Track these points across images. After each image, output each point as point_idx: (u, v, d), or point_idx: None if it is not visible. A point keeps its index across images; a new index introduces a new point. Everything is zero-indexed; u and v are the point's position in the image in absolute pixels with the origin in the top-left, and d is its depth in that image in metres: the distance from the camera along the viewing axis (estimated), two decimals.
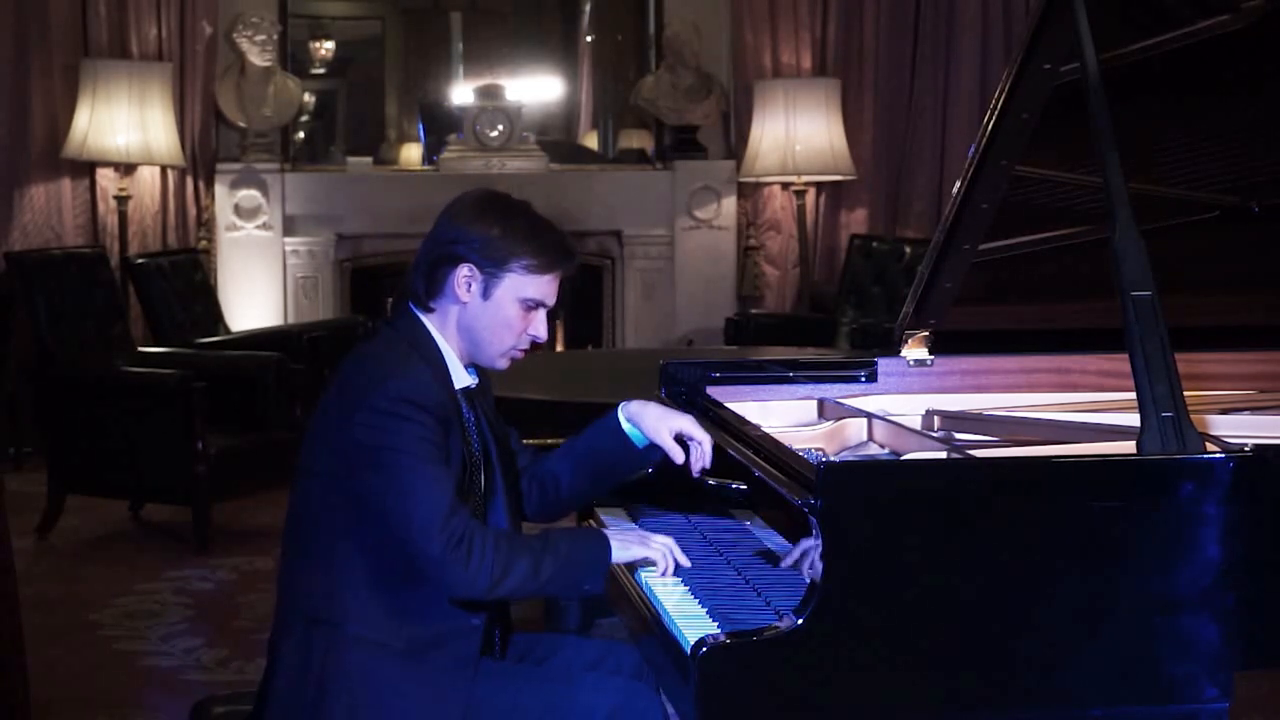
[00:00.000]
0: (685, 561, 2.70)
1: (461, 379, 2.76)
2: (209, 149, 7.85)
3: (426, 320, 2.74)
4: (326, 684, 2.63)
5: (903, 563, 2.33)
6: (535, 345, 2.79)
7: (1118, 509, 2.36)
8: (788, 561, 2.67)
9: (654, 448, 2.89)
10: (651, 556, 2.69)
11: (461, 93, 9.16)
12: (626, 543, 2.70)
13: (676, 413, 2.91)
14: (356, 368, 2.70)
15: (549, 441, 3.09)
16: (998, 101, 2.95)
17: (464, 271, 2.69)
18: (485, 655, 2.75)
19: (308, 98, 9.15)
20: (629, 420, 2.91)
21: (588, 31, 9.98)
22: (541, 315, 2.75)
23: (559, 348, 8.31)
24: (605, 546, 2.68)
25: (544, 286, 2.72)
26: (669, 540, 2.72)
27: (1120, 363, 2.54)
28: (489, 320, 2.71)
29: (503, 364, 2.78)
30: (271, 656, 2.75)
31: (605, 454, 2.95)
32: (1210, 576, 2.36)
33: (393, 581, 2.63)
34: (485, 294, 2.70)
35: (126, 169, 7.55)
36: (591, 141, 9.81)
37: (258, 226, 7.84)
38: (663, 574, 2.70)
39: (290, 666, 2.69)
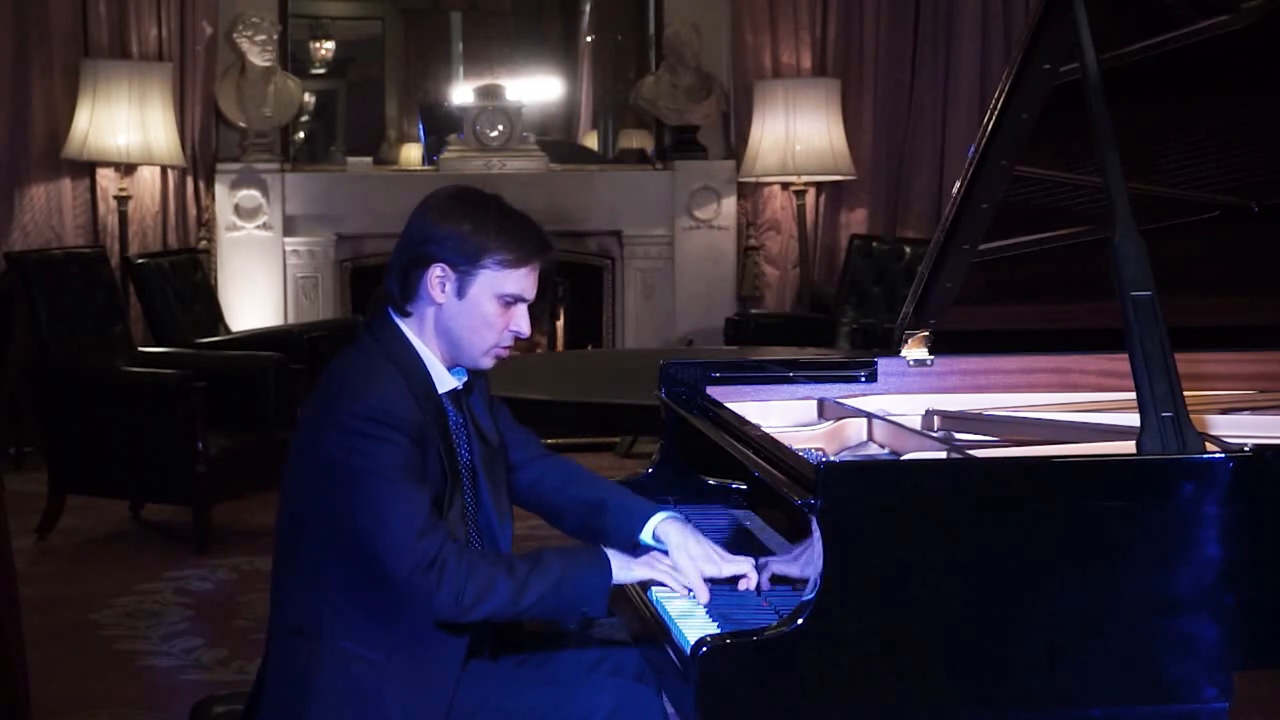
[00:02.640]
0: (702, 595, 2.61)
1: (445, 382, 2.70)
2: (209, 149, 7.85)
3: (404, 325, 2.67)
4: (309, 693, 2.60)
5: (902, 563, 2.33)
6: (519, 341, 2.72)
7: (1118, 509, 2.36)
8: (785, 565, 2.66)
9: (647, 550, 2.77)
10: (658, 578, 2.63)
11: (461, 93, 9.16)
12: (628, 564, 2.63)
13: (709, 552, 2.70)
14: (331, 381, 2.64)
15: (549, 442, 3.08)
16: (998, 101, 2.95)
17: (436, 272, 2.62)
18: (475, 658, 2.71)
19: (308, 98, 9.16)
20: (655, 537, 2.76)
21: (588, 31, 9.98)
22: (522, 310, 2.67)
23: (559, 348, 8.32)
24: (605, 568, 2.60)
25: (521, 280, 2.65)
26: (687, 564, 2.65)
27: (1120, 363, 2.54)
28: (467, 319, 2.64)
29: (487, 363, 2.70)
30: (262, 662, 2.74)
31: (609, 531, 2.82)
32: (1210, 576, 2.36)
33: (373, 595, 2.57)
34: (460, 293, 2.63)
35: (126, 169, 7.55)
36: (591, 141, 9.81)
37: (258, 226, 7.84)
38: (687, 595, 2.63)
39: (275, 675, 2.67)
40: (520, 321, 2.67)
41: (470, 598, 2.50)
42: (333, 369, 2.67)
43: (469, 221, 2.63)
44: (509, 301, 2.65)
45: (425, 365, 2.67)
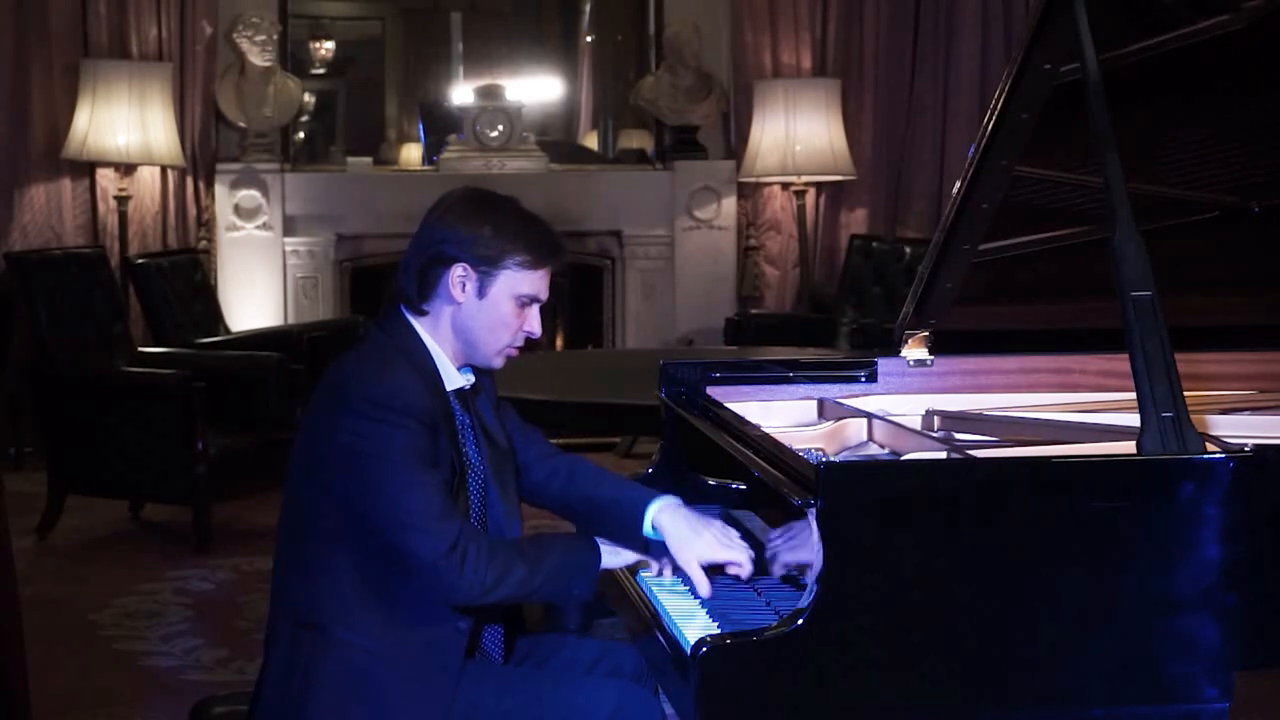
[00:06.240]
0: (704, 590, 2.65)
1: (454, 380, 2.74)
2: (209, 149, 7.84)
3: (417, 323, 2.71)
4: (311, 686, 2.62)
5: (902, 563, 2.33)
6: (530, 341, 2.78)
7: (1118, 509, 2.36)
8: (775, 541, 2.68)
9: (660, 544, 2.77)
10: (643, 557, 2.72)
11: (461, 93, 9.16)
12: (617, 550, 2.73)
13: (705, 533, 2.72)
14: (343, 372, 2.67)
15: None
16: (998, 101, 2.95)
17: (458, 271, 2.67)
18: (471, 658, 2.73)
19: (308, 98, 9.15)
20: (654, 527, 2.77)
21: (588, 31, 9.98)
22: (535, 311, 2.74)
23: (559, 347, 8.31)
24: (595, 553, 2.69)
25: (537, 282, 2.72)
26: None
27: (1120, 363, 2.55)
28: (485, 319, 2.70)
29: (499, 362, 2.76)
30: (263, 659, 2.75)
31: (614, 528, 2.81)
32: (1210, 576, 2.36)
33: (378, 586, 2.61)
34: (480, 293, 2.69)
35: (126, 169, 7.54)
36: (591, 141, 9.81)
37: (258, 226, 7.84)
38: (657, 574, 2.73)
39: (278, 669, 2.69)
40: (533, 322, 2.74)
41: (492, 580, 2.56)
42: (343, 362, 2.71)
43: (489, 223, 2.69)
44: (525, 302, 2.72)
45: (435, 362, 2.71)
